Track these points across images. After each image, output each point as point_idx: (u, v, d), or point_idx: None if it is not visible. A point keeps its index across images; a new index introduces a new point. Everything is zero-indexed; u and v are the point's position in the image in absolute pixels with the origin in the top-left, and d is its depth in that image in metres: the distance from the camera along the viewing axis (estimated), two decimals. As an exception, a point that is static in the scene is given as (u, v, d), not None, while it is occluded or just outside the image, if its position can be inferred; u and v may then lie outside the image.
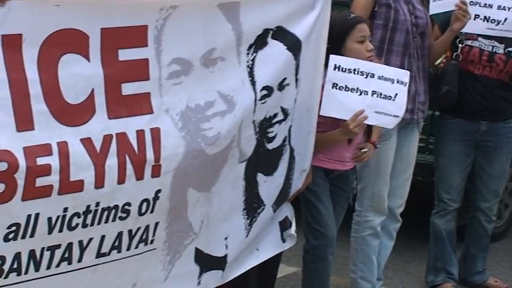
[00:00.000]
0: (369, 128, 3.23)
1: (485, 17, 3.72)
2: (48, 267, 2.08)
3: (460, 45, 3.89)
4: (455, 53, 3.84)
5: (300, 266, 3.34)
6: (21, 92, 1.98)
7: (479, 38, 3.90)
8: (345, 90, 2.91)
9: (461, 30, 3.72)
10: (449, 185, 4.01)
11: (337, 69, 2.88)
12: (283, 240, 2.98)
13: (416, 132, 3.73)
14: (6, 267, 1.99)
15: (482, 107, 3.91)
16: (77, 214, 2.10)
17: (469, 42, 3.89)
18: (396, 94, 2.98)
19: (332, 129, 3.01)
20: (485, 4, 3.72)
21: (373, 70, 2.96)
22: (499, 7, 3.74)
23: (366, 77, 2.94)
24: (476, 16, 3.71)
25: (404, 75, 3.06)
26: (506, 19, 3.74)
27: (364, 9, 3.52)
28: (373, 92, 2.93)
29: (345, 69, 2.90)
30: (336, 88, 2.90)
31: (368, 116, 2.92)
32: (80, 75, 2.10)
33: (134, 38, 2.24)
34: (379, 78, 2.95)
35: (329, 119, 2.95)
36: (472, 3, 3.67)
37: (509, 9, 3.74)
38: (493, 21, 3.74)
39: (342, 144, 3.07)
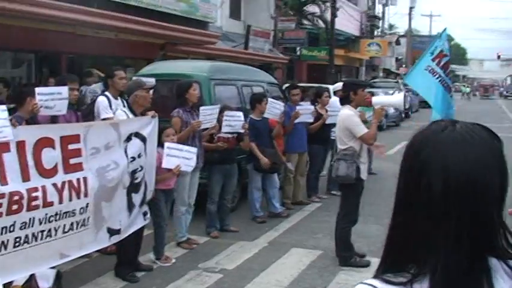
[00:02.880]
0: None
1: None
2: (47, 237, 4.83)
3: None
4: None
5: (152, 230, 6.53)
6: (24, 164, 4.47)
7: None
8: (169, 156, 6.08)
9: None
10: None
11: (168, 148, 6.06)
12: (144, 220, 6.03)
13: (197, 172, 7.04)
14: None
15: None
16: (53, 215, 4.75)
17: None
18: (191, 157, 6.17)
19: None
20: None
21: (182, 148, 6.15)
22: None
23: (182, 151, 6.14)
24: None
25: (193, 151, 6.26)
26: None
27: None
28: (183, 157, 6.13)
29: (173, 148, 6.09)
30: (168, 155, 6.07)
31: (182, 166, 6.13)
32: (51, 156, 4.80)
33: (74, 139, 5.05)
34: (185, 151, 6.17)
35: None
36: None
37: None
38: None
39: (170, 178, 6.28)
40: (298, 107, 9.01)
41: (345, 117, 6.27)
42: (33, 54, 13.19)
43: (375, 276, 1.21)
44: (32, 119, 5.71)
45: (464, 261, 1.11)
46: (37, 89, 5.79)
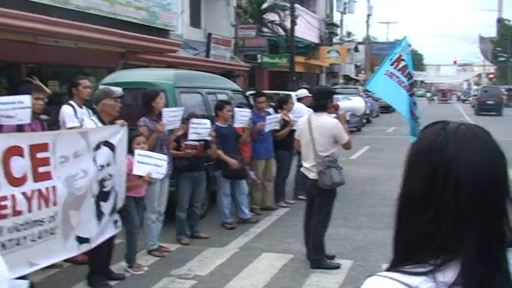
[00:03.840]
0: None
1: None
2: (16, 245, 4.67)
3: None
4: None
5: (123, 239, 6.47)
6: None
7: None
8: (140, 163, 6.03)
9: None
10: None
11: (139, 155, 6.02)
12: (115, 228, 5.97)
13: (167, 180, 7.02)
14: None
15: None
16: (22, 224, 4.67)
17: None
18: (162, 165, 6.13)
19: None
20: None
21: (152, 155, 6.10)
22: None
23: (152, 158, 6.06)
24: None
25: (163, 158, 6.23)
26: None
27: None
28: (154, 164, 6.07)
29: (144, 155, 6.04)
30: (138, 162, 6.02)
31: (152, 173, 6.09)
32: (20, 165, 4.72)
33: (43, 148, 4.98)
34: (156, 158, 6.12)
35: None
36: None
37: None
38: None
39: (141, 185, 6.25)
40: (267, 117, 9.11)
41: (332, 125, 6.41)
42: (-8, 64, 12.94)
43: (391, 270, 1.23)
44: None
45: (496, 250, 1.19)
46: None
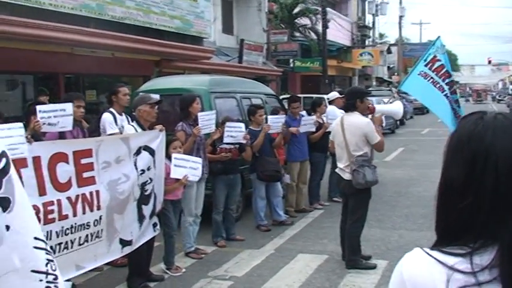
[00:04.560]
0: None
1: None
2: (64, 249, 4.92)
3: None
4: None
5: (161, 241, 6.65)
6: (41, 179, 4.73)
7: None
8: (177, 166, 6.22)
9: None
10: None
11: (175, 159, 6.22)
12: (154, 231, 6.18)
13: (203, 183, 7.20)
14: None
15: None
16: (68, 228, 4.96)
17: None
18: (197, 167, 6.33)
19: None
20: None
21: (189, 159, 6.29)
22: None
23: (188, 161, 6.27)
24: None
25: (199, 161, 6.42)
26: None
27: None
28: (190, 167, 6.28)
29: (180, 158, 6.24)
30: (175, 166, 6.21)
31: (189, 176, 6.28)
32: (65, 171, 4.98)
33: (87, 154, 5.21)
34: (192, 161, 6.33)
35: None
36: None
37: None
38: None
39: (178, 188, 6.44)
40: (302, 119, 9.32)
41: (364, 124, 6.52)
42: (32, 75, 13.33)
43: (432, 248, 1.31)
44: (34, 137, 5.77)
45: None
46: (38, 107, 5.85)
